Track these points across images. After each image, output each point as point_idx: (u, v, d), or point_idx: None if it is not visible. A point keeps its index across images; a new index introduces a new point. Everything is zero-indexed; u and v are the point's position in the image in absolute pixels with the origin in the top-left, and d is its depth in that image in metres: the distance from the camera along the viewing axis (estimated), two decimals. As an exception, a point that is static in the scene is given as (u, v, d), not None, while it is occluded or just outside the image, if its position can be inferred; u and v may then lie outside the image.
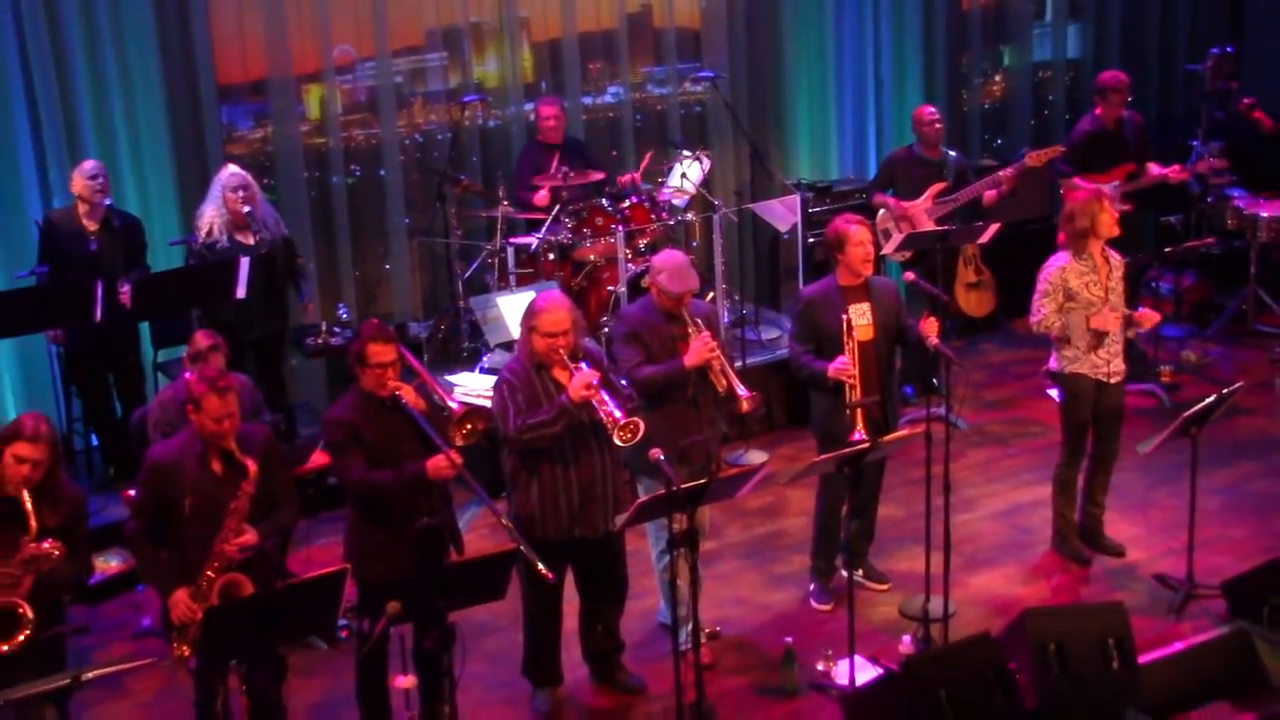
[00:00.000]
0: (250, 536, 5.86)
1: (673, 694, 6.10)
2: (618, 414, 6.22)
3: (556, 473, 6.42)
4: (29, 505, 5.55)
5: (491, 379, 7.85)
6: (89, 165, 8.53)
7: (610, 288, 9.65)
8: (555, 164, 9.94)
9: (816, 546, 7.65)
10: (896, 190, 10.17)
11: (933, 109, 10.26)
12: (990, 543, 8.23)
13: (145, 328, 9.09)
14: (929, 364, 7.96)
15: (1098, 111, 10.34)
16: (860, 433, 6.83)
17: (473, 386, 9.00)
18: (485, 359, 9.48)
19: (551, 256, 9.75)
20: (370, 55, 10.34)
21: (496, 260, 9.86)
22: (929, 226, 9.72)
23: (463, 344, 10.01)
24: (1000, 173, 9.97)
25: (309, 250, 9.84)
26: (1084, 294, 7.50)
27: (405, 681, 5.91)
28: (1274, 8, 12.97)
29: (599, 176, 10.06)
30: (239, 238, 8.54)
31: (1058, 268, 7.55)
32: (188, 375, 6.61)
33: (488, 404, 6.88)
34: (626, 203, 9.84)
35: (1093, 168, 10.21)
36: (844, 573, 7.53)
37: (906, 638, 7.16)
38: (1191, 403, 7.34)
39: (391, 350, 6.16)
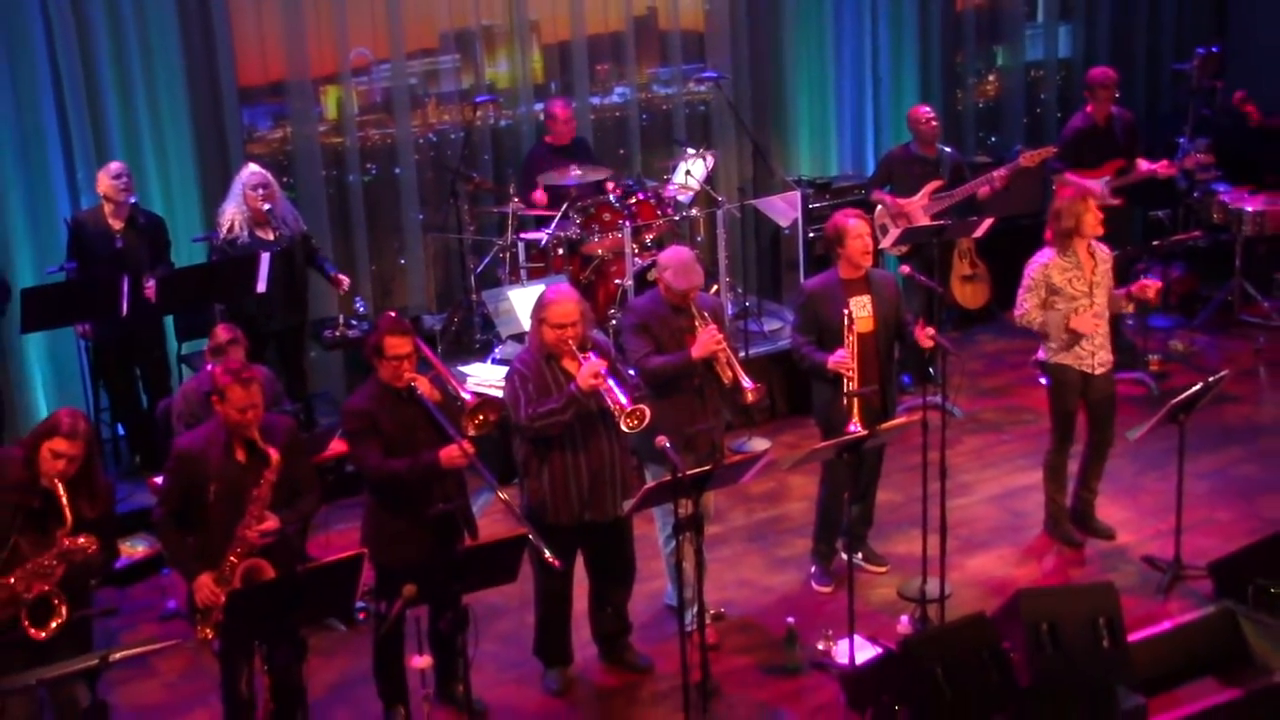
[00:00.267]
0: (272, 522, 5.89)
1: (679, 673, 6.18)
2: (625, 401, 6.29)
3: (567, 459, 6.47)
4: (64, 499, 5.57)
5: (503, 370, 7.84)
6: (114, 166, 8.60)
7: (617, 281, 9.69)
8: (566, 163, 9.95)
9: (819, 530, 7.69)
10: (894, 187, 10.22)
11: (928, 109, 10.31)
12: (985, 526, 8.28)
13: (170, 322, 9.14)
14: (926, 354, 8.04)
15: (1088, 109, 10.39)
16: (856, 424, 6.86)
17: (485, 377, 9.04)
18: (497, 350, 9.52)
19: (561, 251, 9.77)
20: (386, 58, 10.35)
21: (508, 255, 9.87)
22: (925, 222, 9.73)
23: (475, 336, 10.04)
24: (994, 172, 10.02)
25: (327, 247, 9.85)
26: (1067, 289, 7.54)
27: (421, 662, 6.01)
28: (1256, 9, 13.01)
29: (606, 174, 10.08)
30: (259, 234, 8.60)
31: (1041, 264, 7.60)
32: (211, 368, 6.65)
33: (499, 394, 6.85)
34: (633, 199, 9.85)
35: (1084, 163, 10.26)
36: (844, 556, 7.40)
37: (904, 618, 7.25)
38: (1179, 390, 7.40)
39: (408, 343, 6.19)
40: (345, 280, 9.05)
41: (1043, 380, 7.88)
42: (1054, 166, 10.38)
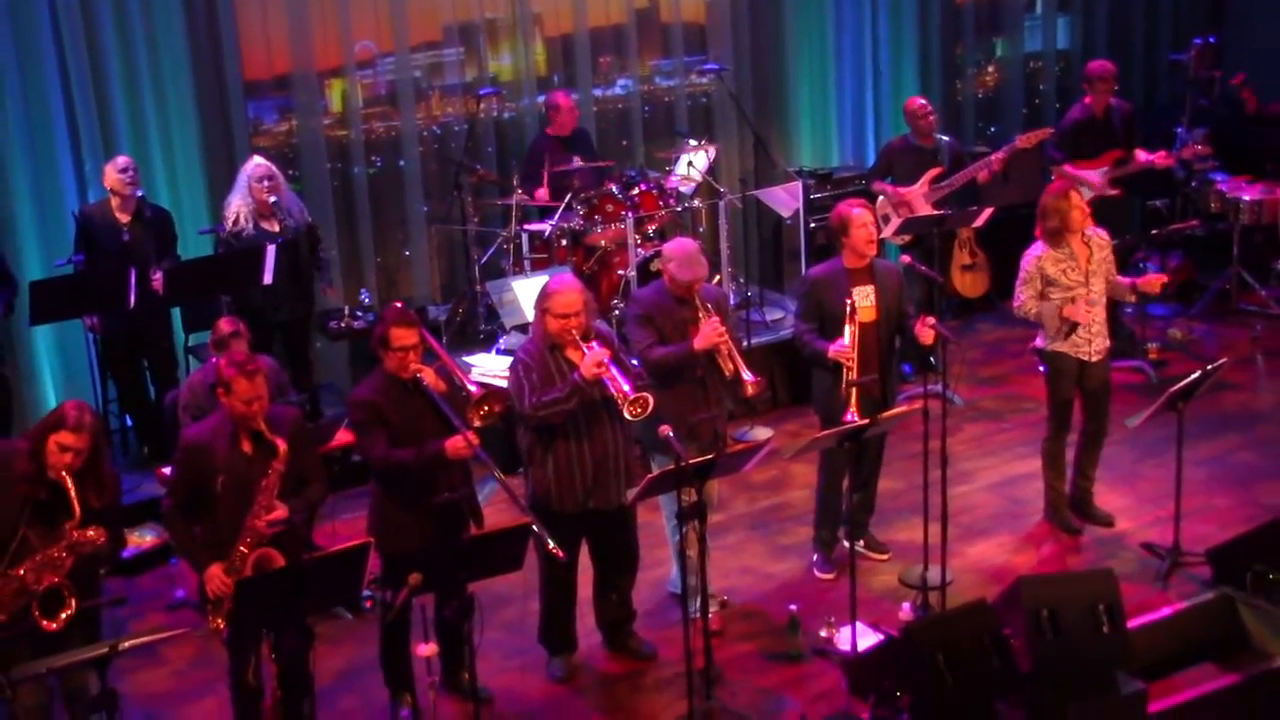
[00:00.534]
0: (281, 512, 5.91)
1: (683, 660, 6.20)
2: (628, 389, 6.30)
3: (571, 448, 6.49)
4: (72, 491, 5.57)
5: (507, 359, 7.89)
6: (120, 160, 8.61)
7: (620, 272, 9.72)
8: (570, 155, 9.99)
9: (819, 518, 7.71)
10: (894, 177, 10.24)
11: (923, 100, 10.34)
12: (985, 514, 8.31)
13: (177, 314, 9.19)
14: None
15: (1087, 100, 10.41)
16: (853, 413, 6.85)
17: (489, 367, 9.10)
18: (501, 340, 9.55)
19: (564, 242, 9.80)
20: (390, 51, 10.40)
21: (511, 246, 9.89)
22: (926, 211, 9.78)
23: (480, 326, 10.05)
24: (992, 155, 10.06)
25: (332, 238, 9.90)
26: (1062, 280, 7.57)
27: (426, 649, 5.97)
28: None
29: (608, 164, 10.13)
30: (265, 226, 8.63)
31: (1034, 257, 7.63)
32: (216, 360, 6.68)
33: (504, 384, 6.86)
34: (636, 190, 9.87)
35: (1083, 154, 10.29)
36: (846, 543, 7.56)
37: (906, 605, 7.28)
38: (1177, 378, 7.40)
39: (414, 334, 6.20)
40: (332, 292, 9.32)
41: (1041, 368, 7.90)
42: (1053, 158, 10.41)
